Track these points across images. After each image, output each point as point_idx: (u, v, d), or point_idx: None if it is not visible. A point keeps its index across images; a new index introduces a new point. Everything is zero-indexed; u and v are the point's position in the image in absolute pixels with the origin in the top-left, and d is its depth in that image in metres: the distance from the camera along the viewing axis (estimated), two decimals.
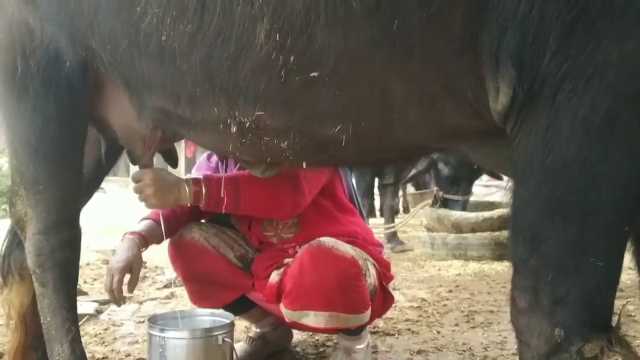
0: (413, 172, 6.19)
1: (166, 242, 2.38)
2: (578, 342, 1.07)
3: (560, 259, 1.08)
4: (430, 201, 5.92)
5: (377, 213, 7.61)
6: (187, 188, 2.03)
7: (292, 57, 1.26)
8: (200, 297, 2.39)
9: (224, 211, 2.13)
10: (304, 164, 1.60)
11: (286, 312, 2.12)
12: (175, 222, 2.34)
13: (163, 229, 2.27)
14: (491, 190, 7.55)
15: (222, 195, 2.05)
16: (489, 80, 1.14)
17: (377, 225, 6.06)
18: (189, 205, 2.11)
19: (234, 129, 1.47)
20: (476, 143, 1.36)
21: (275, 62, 1.28)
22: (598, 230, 1.06)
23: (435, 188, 5.79)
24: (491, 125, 1.21)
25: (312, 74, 1.27)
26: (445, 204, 5.69)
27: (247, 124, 1.44)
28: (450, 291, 3.94)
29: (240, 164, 2.08)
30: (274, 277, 2.17)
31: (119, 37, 1.49)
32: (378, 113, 1.33)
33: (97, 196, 2.19)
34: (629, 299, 1.25)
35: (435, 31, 1.15)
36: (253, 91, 1.37)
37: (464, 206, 5.73)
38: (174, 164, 2.17)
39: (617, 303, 1.14)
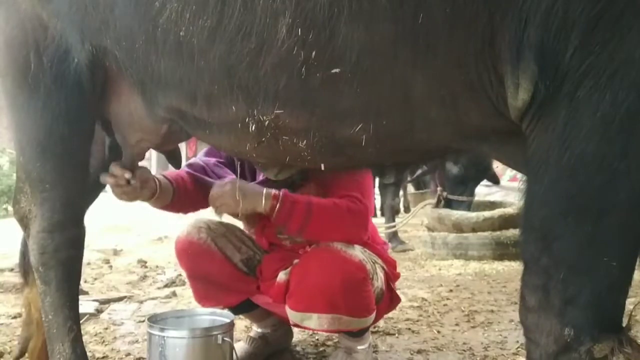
0: (419, 171, 6.14)
1: (168, 241, 2.36)
2: (588, 342, 1.06)
3: (573, 257, 1.07)
4: (431, 201, 5.90)
5: (378, 212, 7.61)
6: (268, 198, 2.04)
7: (313, 53, 1.24)
8: (204, 296, 2.37)
9: (288, 232, 2.17)
10: (322, 165, 1.57)
11: (290, 313, 2.12)
12: (185, 195, 2.24)
13: (173, 194, 2.20)
14: (492, 190, 7.54)
15: (293, 214, 2.05)
16: (508, 76, 1.13)
17: (377, 225, 6.03)
18: (263, 212, 2.08)
19: (252, 128, 1.44)
20: (498, 143, 1.34)
21: (297, 58, 1.26)
22: (613, 229, 1.05)
23: (439, 188, 5.75)
24: (513, 124, 1.19)
25: (333, 70, 1.25)
26: (449, 204, 5.65)
27: (266, 123, 1.41)
28: (451, 291, 3.94)
29: (256, 166, 2.07)
30: (282, 276, 2.16)
31: (135, 34, 1.46)
32: (400, 112, 1.31)
33: (99, 195, 2.18)
34: (637, 300, 1.23)
35: (458, 26, 1.14)
36: (273, 88, 1.35)
37: (469, 207, 5.69)
38: (177, 165, 2.15)
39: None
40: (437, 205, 5.69)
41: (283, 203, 2.05)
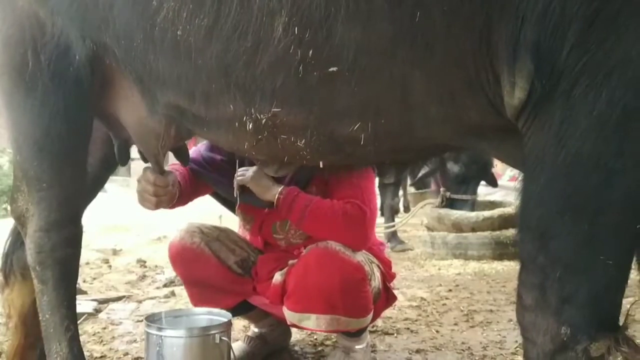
0: (422, 172, 6.12)
1: (167, 241, 2.36)
2: (584, 341, 1.06)
3: (570, 256, 1.07)
4: (431, 200, 5.89)
5: (378, 212, 7.57)
6: (274, 189, 2.15)
7: (310, 51, 1.24)
8: (200, 300, 2.37)
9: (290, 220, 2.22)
10: (321, 163, 1.56)
11: (288, 314, 2.12)
12: (184, 193, 2.26)
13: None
14: (492, 190, 7.52)
15: (292, 211, 2.12)
16: (505, 75, 1.13)
17: (377, 225, 6.02)
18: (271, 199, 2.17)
19: (249, 127, 1.44)
20: (497, 141, 1.33)
21: (293, 57, 1.26)
22: (609, 228, 1.05)
23: (442, 189, 5.73)
24: (511, 123, 1.19)
25: (330, 69, 1.25)
26: (452, 204, 5.62)
27: (263, 121, 1.41)
28: (450, 290, 3.94)
29: (255, 163, 2.07)
30: (277, 277, 2.17)
31: (133, 32, 1.46)
32: (398, 110, 1.30)
33: (97, 195, 2.17)
34: (634, 299, 1.23)
35: (455, 25, 1.14)
36: (270, 87, 1.34)
37: (473, 206, 5.66)
38: (185, 161, 2.14)
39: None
40: (440, 205, 5.66)
41: (286, 195, 2.13)
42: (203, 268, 2.28)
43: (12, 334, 2.03)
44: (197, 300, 2.39)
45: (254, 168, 2.18)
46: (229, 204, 2.50)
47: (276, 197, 2.13)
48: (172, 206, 2.27)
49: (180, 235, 2.32)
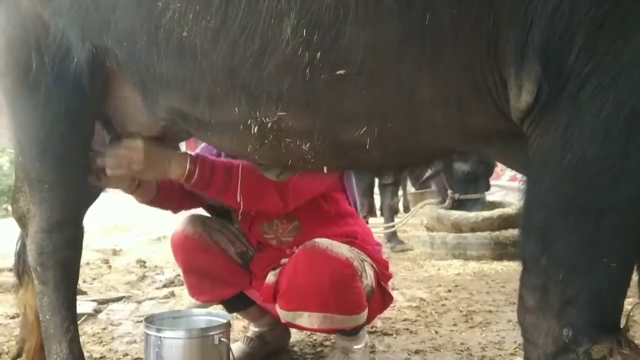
0: (428, 173, 6.09)
1: (167, 241, 2.36)
2: (586, 343, 1.06)
3: (573, 258, 1.07)
4: (430, 201, 5.89)
5: (377, 212, 7.60)
6: (180, 163, 1.92)
7: (318, 54, 1.23)
8: (199, 290, 2.39)
9: (207, 196, 2.10)
10: (325, 167, 1.55)
11: (281, 313, 2.13)
12: (170, 190, 2.20)
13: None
14: (492, 190, 7.53)
15: (212, 181, 1.97)
16: (511, 77, 1.12)
17: (377, 225, 6.05)
18: (177, 180, 1.97)
19: (254, 130, 1.42)
20: (503, 146, 1.33)
21: (301, 59, 1.24)
22: (613, 230, 1.05)
23: (449, 191, 5.69)
24: (517, 126, 1.18)
25: (338, 72, 1.24)
26: (462, 205, 5.56)
27: (269, 125, 1.39)
28: (449, 291, 3.94)
29: (257, 167, 2.06)
30: (270, 277, 2.17)
31: (137, 34, 1.45)
32: (405, 114, 1.29)
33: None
34: (635, 301, 1.24)
35: (464, 28, 1.13)
36: (276, 90, 1.33)
37: (483, 204, 5.60)
38: None
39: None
40: (449, 208, 5.62)
41: (202, 168, 1.94)
42: (204, 256, 2.30)
43: (30, 333, 2.04)
44: (195, 291, 2.41)
45: (139, 142, 1.83)
46: (221, 213, 2.48)
47: (183, 172, 1.92)
48: (160, 205, 2.23)
49: (183, 225, 2.34)
